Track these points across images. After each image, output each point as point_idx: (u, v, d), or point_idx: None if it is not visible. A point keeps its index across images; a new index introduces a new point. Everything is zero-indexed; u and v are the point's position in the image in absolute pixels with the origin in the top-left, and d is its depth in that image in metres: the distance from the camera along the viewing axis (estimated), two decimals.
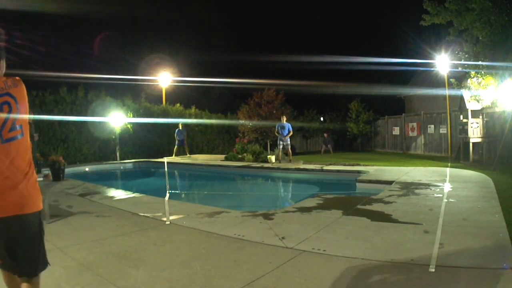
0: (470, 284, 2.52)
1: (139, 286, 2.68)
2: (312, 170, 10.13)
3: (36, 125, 10.34)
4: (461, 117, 12.14)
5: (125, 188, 8.87)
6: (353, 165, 10.59)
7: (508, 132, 9.45)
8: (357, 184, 7.84)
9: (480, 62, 9.73)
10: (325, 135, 20.90)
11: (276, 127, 12.08)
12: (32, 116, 7.58)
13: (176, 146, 15.35)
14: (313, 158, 15.34)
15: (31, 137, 7.08)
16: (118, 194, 7.10)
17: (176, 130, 15.29)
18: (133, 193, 6.97)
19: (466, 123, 11.36)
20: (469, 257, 2.99)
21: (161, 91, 20.13)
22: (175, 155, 15.15)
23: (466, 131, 11.33)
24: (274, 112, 16.31)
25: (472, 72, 10.26)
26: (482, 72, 9.95)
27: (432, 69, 15.42)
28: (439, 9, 9.69)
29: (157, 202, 5.93)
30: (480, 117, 11.12)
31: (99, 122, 14.00)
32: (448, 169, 9.36)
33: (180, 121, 15.81)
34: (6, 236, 1.72)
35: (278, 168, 10.93)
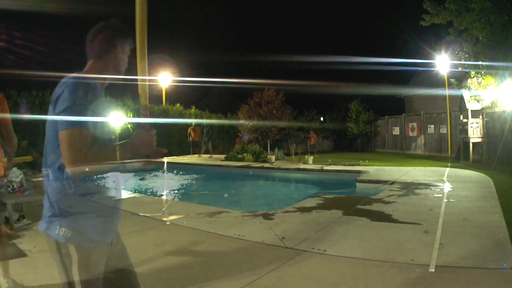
0: (470, 284, 2.52)
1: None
2: (312, 170, 10.13)
3: (36, 125, 10.33)
4: (461, 117, 12.15)
5: (125, 188, 8.87)
6: (353, 165, 10.60)
7: (508, 132, 9.46)
8: (357, 184, 7.84)
9: (480, 62, 9.74)
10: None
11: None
12: (32, 116, 7.59)
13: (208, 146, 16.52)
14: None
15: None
16: (118, 194, 7.07)
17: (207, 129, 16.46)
18: (133, 193, 6.97)
19: (466, 123, 11.36)
20: (469, 257, 2.98)
21: (161, 91, 20.13)
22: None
23: (466, 131, 11.33)
24: (274, 112, 16.27)
25: (472, 72, 10.27)
26: (482, 72, 9.96)
27: (432, 69, 15.42)
28: (439, 9, 9.70)
29: (157, 202, 5.93)
30: (480, 117, 11.12)
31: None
32: (448, 169, 9.36)
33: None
34: None
35: (278, 168, 10.93)
